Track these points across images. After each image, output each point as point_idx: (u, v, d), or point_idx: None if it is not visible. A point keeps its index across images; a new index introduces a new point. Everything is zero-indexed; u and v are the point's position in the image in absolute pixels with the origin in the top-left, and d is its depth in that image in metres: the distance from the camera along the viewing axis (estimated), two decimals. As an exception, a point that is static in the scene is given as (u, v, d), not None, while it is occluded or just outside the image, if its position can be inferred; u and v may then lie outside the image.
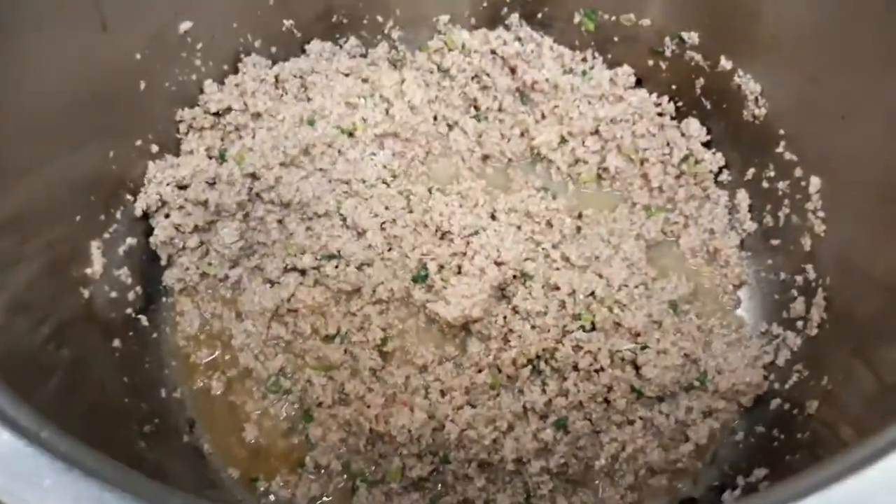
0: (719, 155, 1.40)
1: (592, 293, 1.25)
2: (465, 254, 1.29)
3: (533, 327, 1.22)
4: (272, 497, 1.17)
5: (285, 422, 1.23)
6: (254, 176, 1.27)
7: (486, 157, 1.46)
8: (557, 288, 1.25)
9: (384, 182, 1.37)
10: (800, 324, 1.22)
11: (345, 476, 1.18)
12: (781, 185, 1.29)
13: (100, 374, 1.10)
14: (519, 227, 1.32)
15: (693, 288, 1.32)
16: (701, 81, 1.39)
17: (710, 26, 1.32)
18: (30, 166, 1.02)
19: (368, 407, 1.18)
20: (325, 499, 1.17)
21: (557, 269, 1.28)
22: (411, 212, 1.34)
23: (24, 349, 0.94)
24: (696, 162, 1.40)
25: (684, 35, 1.36)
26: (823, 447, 1.02)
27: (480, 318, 1.23)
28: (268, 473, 1.19)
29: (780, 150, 1.28)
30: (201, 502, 0.62)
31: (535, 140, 1.45)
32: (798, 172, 1.25)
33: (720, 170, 1.40)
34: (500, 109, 1.47)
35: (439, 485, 1.16)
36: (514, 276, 1.27)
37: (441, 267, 1.29)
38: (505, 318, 1.24)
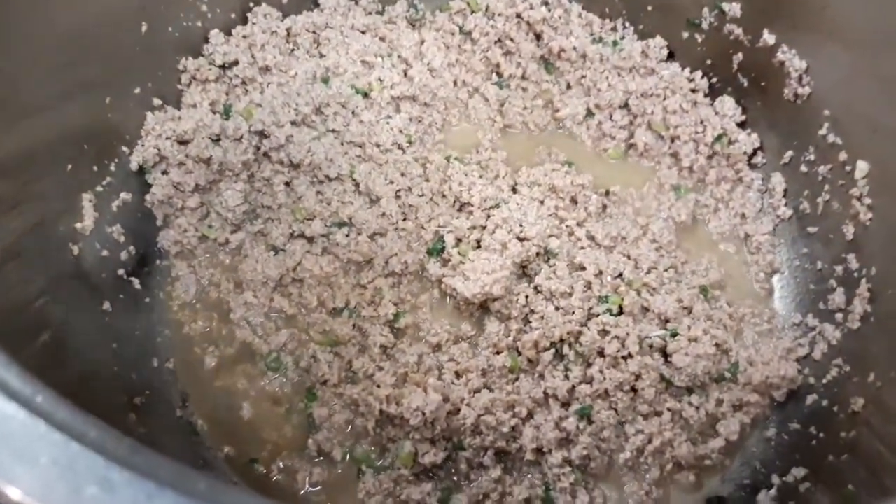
0: (754, 136, 1.32)
1: (620, 275, 1.17)
2: (484, 227, 1.21)
3: (556, 309, 1.14)
4: (272, 481, 1.07)
5: (285, 401, 1.13)
6: (262, 134, 1.18)
7: (507, 127, 1.37)
8: (583, 268, 1.17)
9: (399, 147, 1.28)
10: (839, 316, 1.14)
11: (348, 461, 1.09)
12: (822, 169, 1.21)
13: (88, 339, 1.00)
14: (542, 202, 1.24)
15: (723, 274, 1.24)
16: (739, 57, 1.31)
17: (755, -3, 1.24)
18: (25, 109, 0.93)
19: (378, 386, 1.09)
20: (327, 484, 1.08)
21: (582, 248, 1.20)
22: (428, 180, 1.25)
23: (12, 303, 0.85)
24: (730, 142, 1.32)
25: (725, 6, 1.28)
26: (872, 450, 0.95)
27: (501, 297, 1.15)
28: (266, 456, 1.09)
29: (822, 132, 1.20)
30: (228, 488, 0.53)
31: (560, 112, 1.37)
32: (842, 156, 1.17)
33: (754, 151, 1.33)
34: (523, 77, 1.39)
35: (452, 474, 1.08)
36: (538, 254, 1.18)
37: (458, 240, 1.20)
38: (526, 297, 1.15)
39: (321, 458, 1.09)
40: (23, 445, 0.47)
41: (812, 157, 1.23)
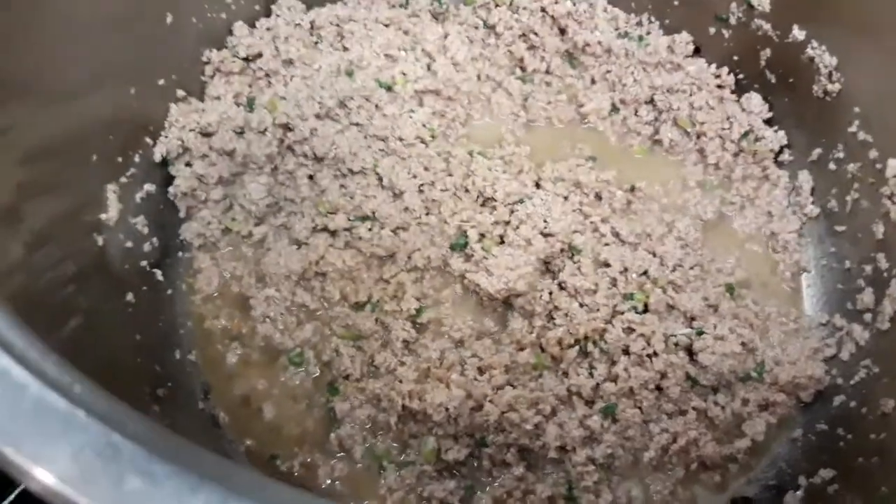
0: (781, 133, 1.31)
1: (645, 272, 1.16)
2: (508, 222, 1.19)
3: (581, 305, 1.13)
4: (293, 476, 1.07)
5: (307, 396, 1.13)
6: (286, 127, 1.17)
7: (530, 122, 1.36)
8: (608, 265, 1.16)
9: (422, 141, 1.27)
10: (868, 316, 1.13)
11: (369, 456, 1.09)
12: (852, 167, 1.19)
13: (112, 330, 1.00)
14: (566, 198, 1.23)
15: (749, 272, 1.23)
16: (767, 53, 1.29)
17: (785, -8, 1.23)
18: (50, 96, 0.92)
19: (400, 381, 1.08)
20: (349, 479, 1.07)
21: (607, 244, 1.19)
22: (451, 175, 1.24)
23: (43, 287, 0.85)
24: (757, 139, 1.31)
25: (753, 1, 1.26)
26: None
27: (524, 293, 1.14)
28: (287, 451, 1.08)
29: (852, 129, 1.18)
30: (270, 482, 0.52)
31: (585, 107, 1.36)
32: (872, 154, 1.15)
33: (781, 149, 1.31)
34: (547, 72, 1.38)
35: (475, 470, 1.07)
36: (562, 250, 1.17)
37: (482, 235, 1.19)
38: (550, 293, 1.14)
39: (343, 453, 1.08)
40: (63, 434, 0.47)
41: (841, 155, 1.22)
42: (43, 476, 0.45)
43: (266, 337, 1.15)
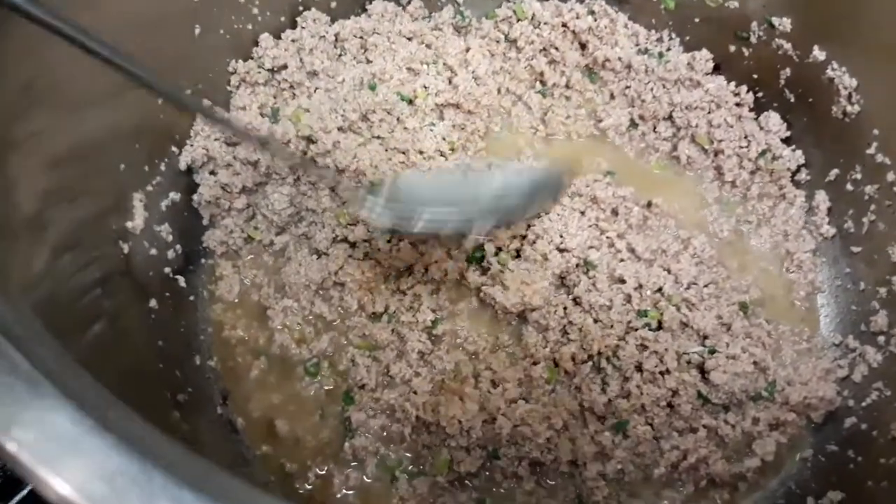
0: (799, 152, 1.31)
1: (660, 289, 1.16)
2: (525, 237, 1.21)
3: (595, 321, 1.14)
4: (308, 486, 1.09)
5: (322, 406, 1.15)
6: (310, 139, 1.19)
7: (549, 136, 1.37)
8: (623, 281, 1.17)
9: (442, 154, 1.29)
10: (881, 339, 1.13)
11: (382, 466, 1.10)
12: (869, 188, 1.20)
13: (134, 336, 1.02)
14: (583, 213, 1.24)
15: (763, 291, 1.23)
16: (787, 72, 1.30)
17: (806, 12, 1.23)
18: (79, 101, 0.94)
19: (415, 393, 1.10)
20: (362, 489, 1.09)
21: (622, 260, 1.20)
22: (469, 188, 1.25)
23: (69, 292, 0.88)
24: (774, 158, 1.31)
25: (775, 20, 1.26)
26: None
27: (539, 307, 1.15)
28: (302, 459, 1.10)
29: (871, 151, 1.19)
30: None
31: (603, 122, 1.37)
32: (891, 177, 1.16)
33: (798, 168, 1.31)
34: (567, 86, 1.39)
35: (486, 482, 1.08)
36: (577, 265, 1.19)
37: (498, 250, 1.20)
38: (565, 308, 1.15)
39: (357, 462, 1.10)
40: (97, 460, 0.48)
41: (858, 176, 1.22)
42: (79, 501, 0.47)
43: (282, 346, 1.17)
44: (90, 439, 0.51)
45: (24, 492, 0.99)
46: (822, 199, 1.28)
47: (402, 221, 1.04)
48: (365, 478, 1.09)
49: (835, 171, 1.27)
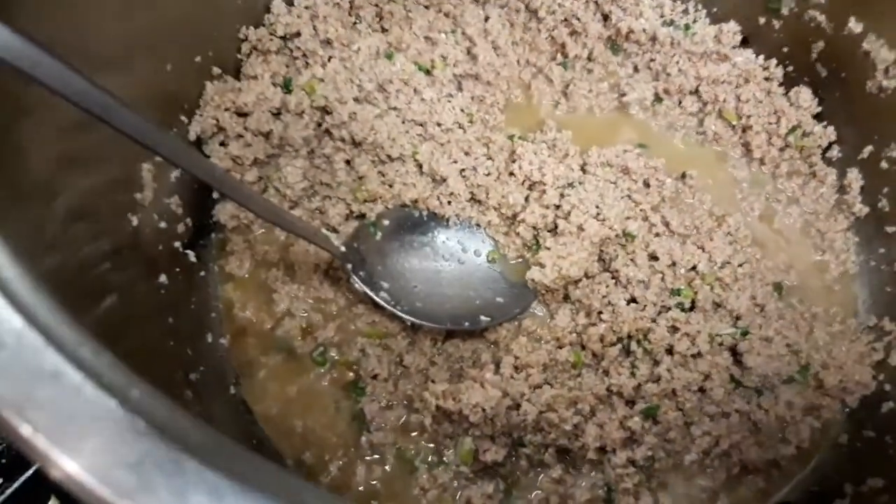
0: (830, 129, 1.26)
1: (694, 267, 1.12)
2: (559, 206, 1.16)
3: (629, 302, 1.09)
4: (323, 479, 1.04)
5: (334, 397, 1.10)
6: (325, 110, 1.14)
7: (571, 109, 1.32)
8: (656, 258, 1.12)
9: (460, 127, 1.23)
10: (919, 322, 1.10)
11: (401, 457, 1.06)
12: (905, 166, 1.16)
13: (145, 312, 0.97)
14: (615, 184, 1.19)
15: (796, 272, 1.19)
16: (819, 45, 1.24)
17: (843, -18, 1.18)
18: (92, 61, 0.88)
19: (433, 381, 1.05)
20: (382, 480, 1.05)
21: (657, 234, 1.15)
22: (491, 159, 1.20)
23: (80, 262, 0.83)
24: (805, 135, 1.27)
25: (810, -10, 1.21)
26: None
27: (579, 280, 1.11)
28: (317, 454, 1.06)
29: (908, 127, 1.14)
30: (337, 499, 0.49)
31: (627, 96, 1.32)
32: (929, 154, 1.12)
33: (829, 145, 1.27)
34: (589, 58, 1.34)
35: (513, 471, 1.04)
36: (616, 235, 1.14)
37: (535, 229, 1.16)
38: (607, 286, 1.11)
39: (375, 454, 1.06)
40: (122, 443, 0.43)
41: (894, 154, 1.18)
42: (101, 490, 0.42)
43: (289, 335, 1.13)
44: (111, 422, 0.46)
45: (30, 472, 0.94)
46: (854, 176, 1.24)
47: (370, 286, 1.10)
48: (384, 468, 1.05)
49: (868, 149, 1.22)
